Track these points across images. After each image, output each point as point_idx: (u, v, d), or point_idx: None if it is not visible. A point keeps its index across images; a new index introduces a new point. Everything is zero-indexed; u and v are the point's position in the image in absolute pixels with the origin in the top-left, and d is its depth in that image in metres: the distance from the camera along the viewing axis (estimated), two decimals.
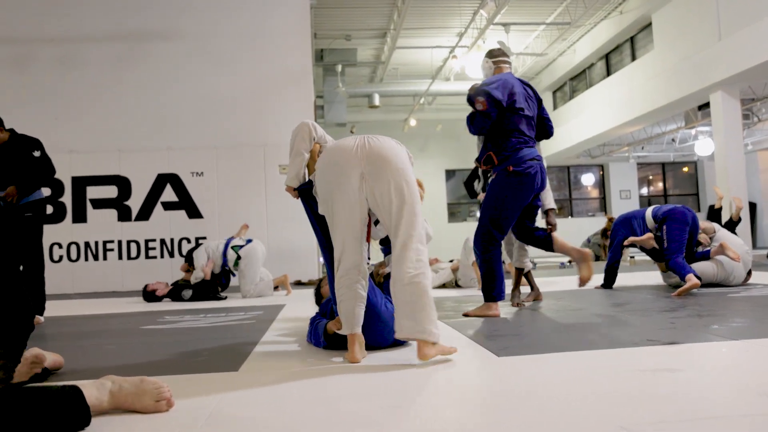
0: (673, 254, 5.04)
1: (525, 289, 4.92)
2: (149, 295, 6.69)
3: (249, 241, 6.81)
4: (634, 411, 1.69)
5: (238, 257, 6.65)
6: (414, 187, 2.54)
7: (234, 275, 6.83)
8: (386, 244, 3.69)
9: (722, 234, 5.57)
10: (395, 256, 2.46)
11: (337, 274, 2.57)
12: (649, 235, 5.38)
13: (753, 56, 9.83)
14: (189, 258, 6.81)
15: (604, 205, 20.62)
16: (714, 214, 9.69)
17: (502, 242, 4.18)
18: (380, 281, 3.11)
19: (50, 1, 9.34)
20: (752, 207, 17.15)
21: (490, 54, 4.32)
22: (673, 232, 5.15)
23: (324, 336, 2.88)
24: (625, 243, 5.58)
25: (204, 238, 8.84)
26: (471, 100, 3.98)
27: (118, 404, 1.84)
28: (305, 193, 2.79)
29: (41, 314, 4.90)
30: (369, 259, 2.81)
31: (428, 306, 2.40)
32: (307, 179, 2.81)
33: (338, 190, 2.51)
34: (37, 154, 4.87)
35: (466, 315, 4.00)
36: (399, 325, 2.42)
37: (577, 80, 17.44)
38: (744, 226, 9.94)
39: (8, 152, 4.84)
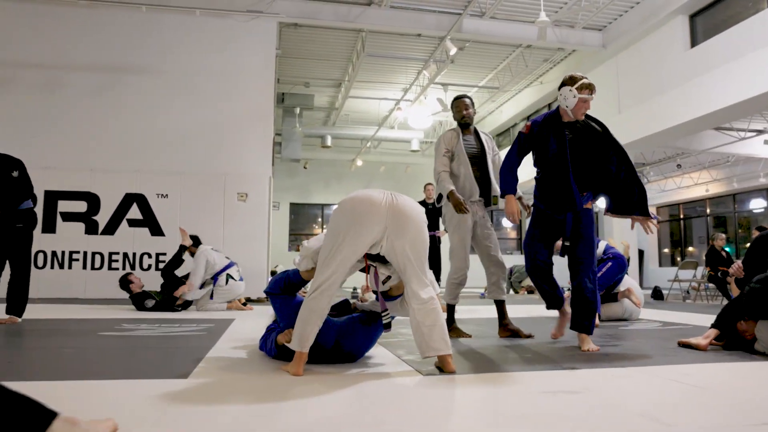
0: (597, 286, 5.20)
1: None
2: (125, 282, 6.46)
3: (241, 279, 6.76)
4: (537, 428, 1.71)
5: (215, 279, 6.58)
6: (425, 242, 2.58)
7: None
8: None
9: (627, 280, 5.75)
10: (409, 290, 2.55)
11: (312, 292, 2.50)
12: None
13: (644, 128, 10.37)
14: (166, 272, 6.56)
15: (519, 245, 21.07)
16: None
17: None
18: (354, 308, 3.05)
19: (37, 31, 9.04)
20: (640, 254, 17.85)
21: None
22: (611, 271, 5.33)
23: (275, 346, 2.81)
24: None
25: (164, 254, 8.56)
26: None
27: None
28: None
29: (20, 315, 4.73)
30: (387, 310, 2.75)
31: (444, 327, 2.55)
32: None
33: (355, 234, 2.46)
34: (15, 174, 4.68)
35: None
36: (427, 346, 2.52)
37: (503, 136, 17.92)
38: (633, 270, 10.34)
39: None
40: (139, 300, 6.27)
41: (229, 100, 9.32)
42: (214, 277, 6.58)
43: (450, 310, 4.25)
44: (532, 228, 3.67)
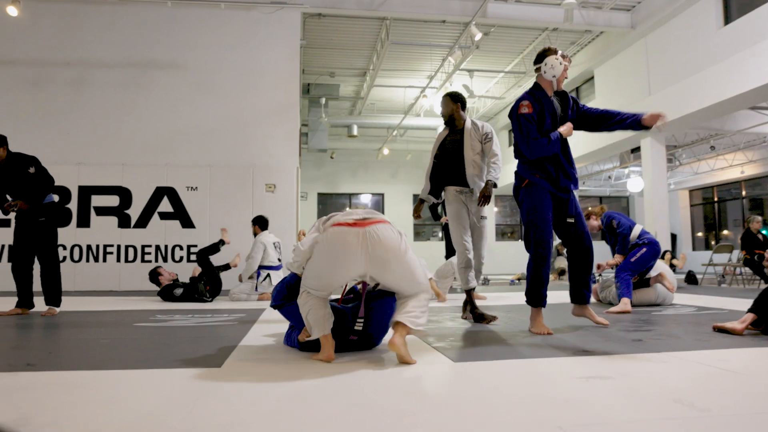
0: (629, 271, 5.15)
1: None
2: (154, 275, 6.73)
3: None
4: (570, 413, 1.70)
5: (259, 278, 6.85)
6: (412, 266, 2.54)
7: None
8: None
9: (659, 265, 5.66)
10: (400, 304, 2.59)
11: (304, 295, 2.57)
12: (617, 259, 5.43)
13: (676, 110, 10.12)
14: (201, 258, 6.70)
15: None
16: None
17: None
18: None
19: (68, 29, 9.23)
20: (673, 238, 17.53)
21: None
22: (645, 257, 5.26)
23: (297, 342, 2.84)
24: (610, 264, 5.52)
25: (195, 246, 8.70)
26: None
27: None
28: None
29: (58, 306, 4.89)
30: (362, 318, 2.74)
31: (420, 309, 2.55)
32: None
33: (334, 274, 2.50)
34: (32, 170, 4.82)
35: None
36: (396, 314, 2.55)
37: None
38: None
39: (9, 171, 4.82)
40: (167, 291, 6.40)
41: (256, 92, 9.39)
42: (257, 270, 6.78)
43: (468, 294, 4.26)
44: (539, 207, 3.53)
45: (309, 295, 2.55)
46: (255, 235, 7.11)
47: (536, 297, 3.58)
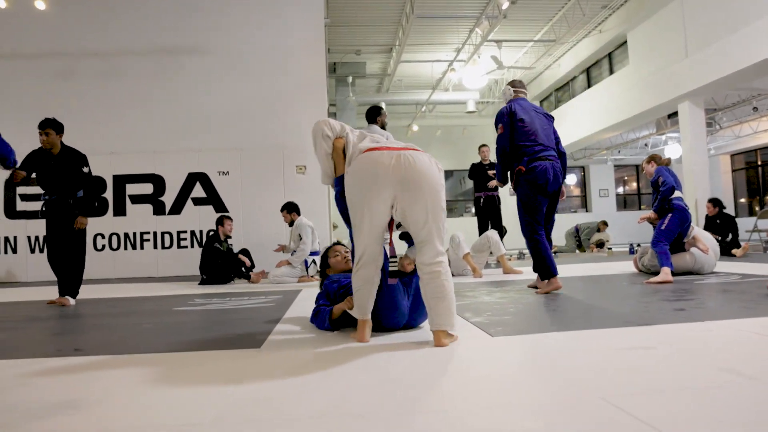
0: (663, 240, 5.05)
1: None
2: (221, 219, 7.37)
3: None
4: (612, 383, 1.69)
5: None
6: (441, 204, 2.40)
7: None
8: (408, 238, 3.91)
9: (695, 229, 5.54)
10: (418, 250, 2.44)
11: (356, 266, 2.53)
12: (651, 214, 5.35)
13: (715, 71, 9.78)
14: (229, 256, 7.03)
15: (585, 202, 20.54)
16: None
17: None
18: (405, 273, 2.92)
19: (94, 19, 9.35)
20: None
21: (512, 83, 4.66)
22: (673, 222, 5.15)
23: (329, 321, 2.85)
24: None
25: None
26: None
27: None
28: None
29: (74, 296, 4.86)
30: (395, 257, 2.73)
31: (449, 300, 2.39)
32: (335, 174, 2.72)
33: (368, 202, 2.38)
34: (86, 170, 4.87)
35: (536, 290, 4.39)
36: (430, 320, 2.40)
37: (562, 91, 17.36)
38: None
39: (60, 163, 4.85)
40: (213, 244, 6.96)
41: (282, 74, 9.40)
42: (306, 264, 6.93)
43: None
44: None
45: (362, 270, 2.50)
46: (291, 222, 7.08)
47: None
